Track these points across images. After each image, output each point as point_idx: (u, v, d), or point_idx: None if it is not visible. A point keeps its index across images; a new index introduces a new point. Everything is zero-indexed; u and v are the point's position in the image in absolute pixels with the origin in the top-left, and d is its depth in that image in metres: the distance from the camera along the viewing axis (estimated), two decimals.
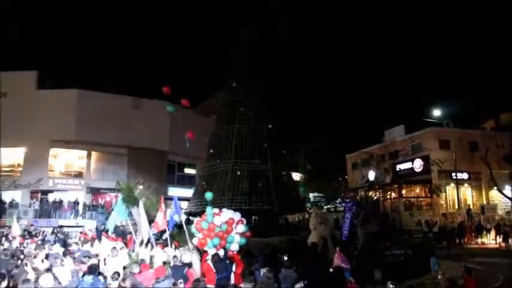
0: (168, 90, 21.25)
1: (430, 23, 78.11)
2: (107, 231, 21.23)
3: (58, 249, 15.45)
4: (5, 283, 9.14)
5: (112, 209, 24.30)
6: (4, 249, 15.00)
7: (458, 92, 60.22)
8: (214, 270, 11.77)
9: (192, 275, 10.73)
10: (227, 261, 12.55)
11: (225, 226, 12.69)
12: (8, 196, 33.85)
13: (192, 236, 13.88)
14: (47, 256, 13.23)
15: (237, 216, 13.36)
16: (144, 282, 9.95)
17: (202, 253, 13.09)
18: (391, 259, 16.94)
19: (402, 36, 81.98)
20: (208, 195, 15.68)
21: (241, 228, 12.97)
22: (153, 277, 10.19)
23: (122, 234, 21.30)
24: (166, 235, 16.31)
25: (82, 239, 19.13)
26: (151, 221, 20.80)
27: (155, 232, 16.75)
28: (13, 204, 33.01)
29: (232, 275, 12.35)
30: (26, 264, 11.14)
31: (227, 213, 13.36)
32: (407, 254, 17.44)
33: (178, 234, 18.45)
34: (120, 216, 18.20)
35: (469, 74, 68.18)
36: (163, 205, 16.41)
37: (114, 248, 13.70)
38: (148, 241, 16.20)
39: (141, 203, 17.80)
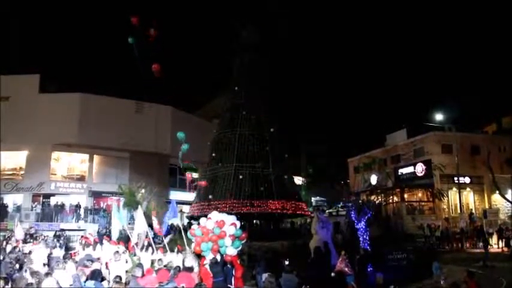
0: (136, 21, 20.85)
1: (432, 27, 78.15)
2: (108, 235, 21.20)
3: (59, 252, 15.45)
4: (7, 287, 9.14)
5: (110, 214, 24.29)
6: (9, 253, 15.01)
7: (460, 96, 60.17)
8: (211, 275, 11.79)
9: (193, 280, 10.72)
10: (228, 265, 12.54)
11: (218, 230, 12.66)
12: (10, 199, 33.87)
13: (190, 241, 13.91)
14: (48, 260, 13.24)
15: (229, 219, 13.32)
16: (147, 286, 9.94)
17: (200, 258, 13.07)
18: (393, 263, 16.93)
19: (404, 40, 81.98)
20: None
21: (232, 230, 12.89)
22: (156, 281, 10.18)
23: (123, 238, 21.29)
24: (167, 239, 16.31)
25: (83, 242, 19.09)
26: (152, 224, 20.79)
27: (151, 236, 16.70)
28: (20, 208, 33.09)
29: (232, 279, 12.35)
30: (26, 270, 11.12)
31: (219, 217, 13.31)
32: (409, 258, 17.44)
33: (180, 238, 18.46)
34: (121, 221, 18.17)
35: (470, 77, 68.18)
36: (154, 212, 16.35)
37: (117, 252, 13.66)
38: (149, 245, 16.18)
39: (139, 208, 17.76)
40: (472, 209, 34.95)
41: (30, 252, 15.10)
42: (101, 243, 17.83)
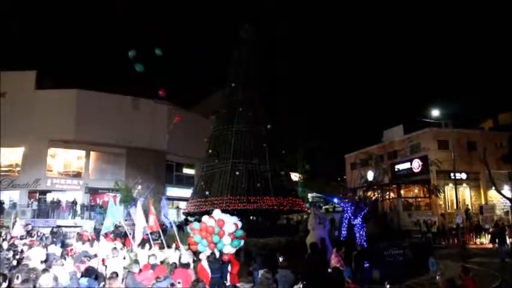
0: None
1: (429, 23, 78.21)
2: (105, 232, 21.16)
3: (55, 249, 15.40)
4: (5, 284, 9.11)
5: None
6: (7, 249, 14.93)
7: (456, 92, 60.37)
8: (209, 271, 11.78)
9: (190, 276, 10.72)
10: (221, 263, 12.54)
11: (218, 229, 12.65)
12: (6, 196, 33.79)
13: (186, 237, 13.92)
14: (46, 257, 13.19)
15: (231, 219, 13.28)
16: (144, 281, 9.93)
17: (197, 254, 13.07)
18: (390, 259, 16.95)
19: (401, 36, 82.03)
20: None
21: (232, 229, 12.86)
22: (152, 277, 10.16)
23: (120, 234, 21.25)
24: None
25: (82, 238, 19.02)
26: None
27: (147, 232, 16.67)
28: (15, 205, 33.07)
29: (228, 275, 12.35)
30: (24, 265, 11.08)
31: (221, 216, 13.26)
32: (405, 254, 17.47)
33: (178, 234, 18.42)
34: (113, 218, 18.05)
35: (467, 74, 68.29)
36: (152, 208, 16.25)
37: (115, 248, 13.64)
38: (146, 241, 16.16)
39: (139, 203, 17.73)
40: (468, 205, 35.03)
41: (22, 251, 15.03)
42: (98, 240, 17.81)
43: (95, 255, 13.43)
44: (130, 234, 17.55)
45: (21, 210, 32.44)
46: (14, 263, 12.34)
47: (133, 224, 18.75)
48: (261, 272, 11.22)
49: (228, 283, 12.00)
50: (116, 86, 38.48)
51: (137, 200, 23.44)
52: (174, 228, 17.18)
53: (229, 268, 12.55)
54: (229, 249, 12.87)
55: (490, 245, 26.68)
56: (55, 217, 32.60)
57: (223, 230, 12.66)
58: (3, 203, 32.43)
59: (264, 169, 25.29)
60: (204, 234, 12.71)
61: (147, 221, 16.66)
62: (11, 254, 13.81)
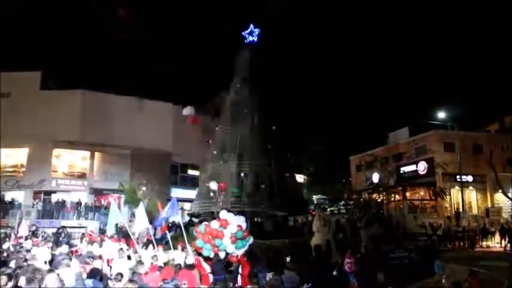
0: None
1: (435, 25, 77.96)
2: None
3: (62, 250, 15.38)
4: (11, 283, 9.09)
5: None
6: (19, 250, 14.93)
7: (462, 95, 60.03)
8: (211, 271, 11.74)
9: (195, 277, 10.66)
10: (225, 263, 12.49)
11: (219, 230, 12.59)
12: (10, 196, 33.84)
13: (191, 238, 13.87)
14: (52, 257, 13.16)
15: (236, 220, 13.21)
16: (150, 283, 9.87)
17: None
18: (395, 262, 16.89)
19: (407, 38, 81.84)
20: None
21: (234, 230, 12.78)
22: (159, 279, 10.11)
23: (125, 235, 21.26)
24: (167, 237, 16.24)
25: (88, 239, 19.02)
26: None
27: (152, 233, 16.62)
28: (20, 205, 33.12)
29: (239, 277, 12.29)
30: (28, 265, 11.04)
31: (226, 216, 13.20)
32: (411, 257, 17.39)
33: (182, 235, 18.36)
34: (115, 218, 17.99)
35: (473, 76, 67.99)
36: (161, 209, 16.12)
37: (121, 249, 13.61)
38: (149, 242, 16.13)
39: (141, 205, 17.60)
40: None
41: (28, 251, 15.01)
42: (102, 241, 17.80)
43: (100, 256, 13.40)
44: (133, 235, 17.52)
45: (26, 211, 32.47)
46: (25, 264, 12.32)
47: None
48: (268, 275, 11.20)
49: (238, 285, 11.97)
50: (121, 86, 38.51)
51: (141, 201, 23.42)
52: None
53: (239, 270, 12.48)
54: (232, 250, 12.80)
55: (496, 249, 26.51)
56: (60, 218, 32.61)
57: (223, 231, 12.59)
58: (10, 203, 32.52)
59: (268, 170, 25.27)
60: (207, 238, 12.65)
61: (151, 222, 16.61)
62: (22, 254, 13.81)
